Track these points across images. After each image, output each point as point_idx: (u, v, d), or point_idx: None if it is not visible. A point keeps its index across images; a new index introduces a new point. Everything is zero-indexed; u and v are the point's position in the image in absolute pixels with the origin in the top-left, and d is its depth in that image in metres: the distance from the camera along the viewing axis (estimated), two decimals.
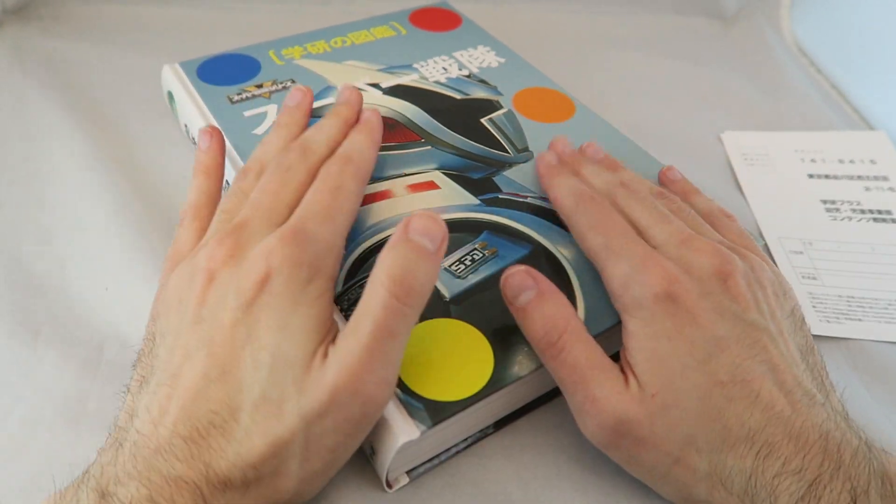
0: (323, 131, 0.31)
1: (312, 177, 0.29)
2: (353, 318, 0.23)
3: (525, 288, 0.26)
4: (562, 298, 0.26)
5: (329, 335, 0.24)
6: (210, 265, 0.25)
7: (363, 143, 0.31)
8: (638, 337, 0.25)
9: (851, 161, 0.46)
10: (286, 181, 0.28)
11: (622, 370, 0.25)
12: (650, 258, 0.26)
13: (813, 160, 0.46)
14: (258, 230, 0.26)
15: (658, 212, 0.29)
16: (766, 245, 0.40)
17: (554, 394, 0.30)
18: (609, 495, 0.27)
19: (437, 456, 0.28)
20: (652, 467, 0.25)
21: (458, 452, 0.28)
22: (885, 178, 0.45)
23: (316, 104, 0.39)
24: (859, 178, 0.45)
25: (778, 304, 0.27)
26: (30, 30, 0.52)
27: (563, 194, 0.31)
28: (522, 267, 0.27)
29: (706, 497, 0.24)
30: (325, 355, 0.23)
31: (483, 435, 0.29)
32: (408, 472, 0.27)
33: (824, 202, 0.43)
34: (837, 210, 0.42)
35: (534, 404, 0.30)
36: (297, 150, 0.30)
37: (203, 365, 0.23)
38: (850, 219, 0.42)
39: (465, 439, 0.28)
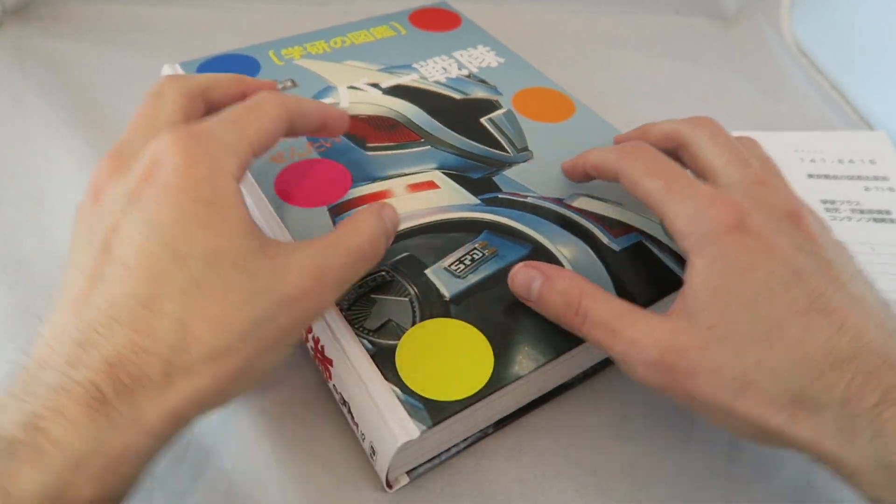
0: (209, 74, 0.28)
1: (196, 103, 0.27)
2: (339, 229, 0.25)
3: (532, 280, 0.27)
4: (569, 273, 0.27)
5: (268, 239, 0.23)
6: (96, 183, 0.23)
7: (312, 102, 0.27)
8: (704, 275, 0.24)
9: (851, 161, 0.46)
10: (159, 103, 0.26)
11: (664, 315, 0.24)
12: (718, 195, 0.24)
13: (813, 160, 0.46)
14: (141, 142, 0.23)
15: (737, 152, 0.27)
16: None
17: (554, 394, 0.30)
18: (609, 496, 0.27)
19: (438, 456, 0.28)
20: (714, 401, 0.23)
21: (458, 452, 0.28)
22: (884, 178, 0.45)
23: None
24: (859, 178, 0.45)
25: (850, 262, 0.25)
26: (30, 30, 0.52)
27: (601, 154, 0.30)
28: (521, 263, 0.28)
29: (788, 424, 0.22)
30: (281, 248, 0.22)
31: (483, 435, 0.29)
32: (408, 472, 0.27)
33: (824, 202, 0.43)
34: (837, 210, 0.42)
35: (534, 404, 0.30)
36: (168, 77, 0.27)
37: (92, 266, 0.21)
38: (850, 219, 0.42)
39: (465, 439, 0.28)
